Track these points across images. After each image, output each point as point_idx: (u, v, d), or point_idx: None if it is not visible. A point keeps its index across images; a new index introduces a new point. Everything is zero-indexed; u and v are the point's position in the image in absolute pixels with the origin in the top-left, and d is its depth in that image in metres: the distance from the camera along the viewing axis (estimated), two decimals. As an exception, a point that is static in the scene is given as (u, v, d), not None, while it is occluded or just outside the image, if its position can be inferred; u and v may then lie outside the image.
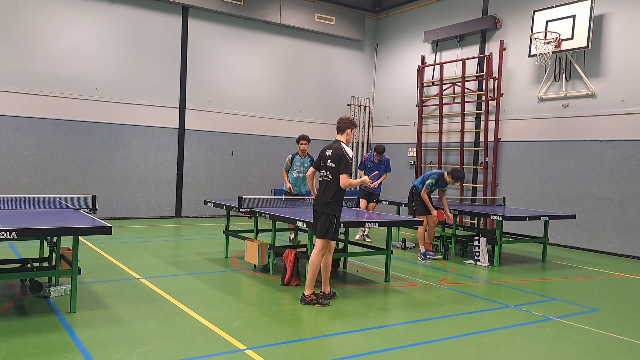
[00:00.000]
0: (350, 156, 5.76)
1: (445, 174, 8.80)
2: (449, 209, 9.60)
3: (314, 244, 5.97)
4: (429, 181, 8.79)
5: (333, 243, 5.98)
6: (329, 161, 5.84)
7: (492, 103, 12.63)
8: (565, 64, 11.17)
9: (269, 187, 14.57)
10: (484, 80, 12.74)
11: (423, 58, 14.44)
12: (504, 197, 11.40)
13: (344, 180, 5.70)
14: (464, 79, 13.12)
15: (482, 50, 12.97)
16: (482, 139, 12.84)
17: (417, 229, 9.05)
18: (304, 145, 9.16)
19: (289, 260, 6.66)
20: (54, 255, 6.24)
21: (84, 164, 12.19)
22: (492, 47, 12.72)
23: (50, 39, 11.73)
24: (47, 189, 11.59)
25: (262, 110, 14.51)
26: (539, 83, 11.69)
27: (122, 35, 12.56)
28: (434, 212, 8.84)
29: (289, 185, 9.37)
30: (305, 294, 5.80)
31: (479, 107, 13.03)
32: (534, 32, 11.32)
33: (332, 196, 5.76)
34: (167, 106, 13.16)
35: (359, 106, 16.02)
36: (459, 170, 8.96)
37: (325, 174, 5.87)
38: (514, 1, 12.31)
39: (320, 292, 5.94)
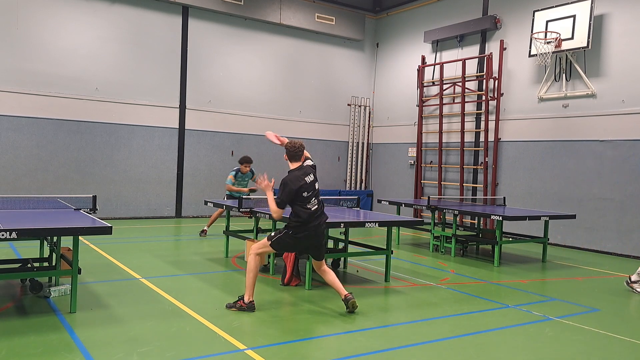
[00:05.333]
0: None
1: None
2: (450, 209, 9.55)
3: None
4: None
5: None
6: (316, 184, 5.60)
7: (492, 103, 12.63)
8: (566, 64, 11.16)
9: (269, 187, 14.55)
10: (484, 80, 12.74)
11: (423, 58, 14.44)
12: (504, 197, 11.40)
13: None
14: (464, 79, 13.12)
15: (482, 50, 12.97)
16: (482, 139, 12.83)
17: (417, 228, 8.94)
18: (247, 168, 10.23)
19: (289, 260, 6.66)
20: (54, 255, 6.24)
21: (84, 164, 12.19)
22: (492, 47, 12.72)
23: (50, 39, 11.73)
24: (47, 189, 11.59)
25: (262, 110, 14.51)
26: (539, 83, 11.69)
27: (123, 35, 12.56)
28: None
29: (236, 188, 10.24)
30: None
31: (479, 107, 13.03)
32: (534, 32, 11.31)
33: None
34: (167, 106, 13.16)
35: (359, 106, 16.02)
36: None
37: (315, 201, 5.52)
38: (514, 1, 12.31)
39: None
